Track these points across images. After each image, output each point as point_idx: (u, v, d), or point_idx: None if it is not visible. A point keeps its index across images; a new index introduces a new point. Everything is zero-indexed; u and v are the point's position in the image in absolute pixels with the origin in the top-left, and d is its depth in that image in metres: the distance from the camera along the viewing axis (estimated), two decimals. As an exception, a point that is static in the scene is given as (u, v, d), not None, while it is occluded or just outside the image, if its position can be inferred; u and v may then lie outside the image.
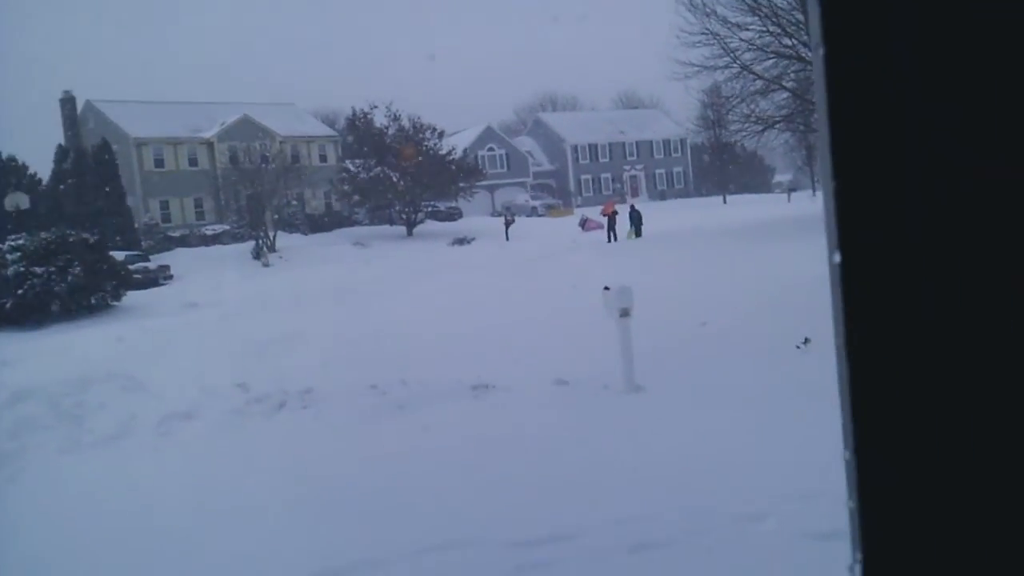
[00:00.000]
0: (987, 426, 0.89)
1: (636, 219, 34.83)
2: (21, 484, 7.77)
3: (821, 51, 0.87)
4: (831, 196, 0.89)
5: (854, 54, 0.87)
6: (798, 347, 9.28)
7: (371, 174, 48.54)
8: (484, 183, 58.96)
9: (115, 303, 27.65)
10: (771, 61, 29.37)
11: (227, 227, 47.50)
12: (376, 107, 50.91)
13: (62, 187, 41.03)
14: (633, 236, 34.10)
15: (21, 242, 26.81)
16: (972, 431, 0.89)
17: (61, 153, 43.48)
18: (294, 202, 49.68)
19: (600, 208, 40.22)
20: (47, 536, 6.31)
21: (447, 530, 5.47)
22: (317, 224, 50.55)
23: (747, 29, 28.74)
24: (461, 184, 50.83)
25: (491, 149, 70.88)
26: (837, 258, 0.89)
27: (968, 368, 0.88)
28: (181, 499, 6.84)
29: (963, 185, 0.87)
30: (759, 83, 29.95)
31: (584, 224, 43.48)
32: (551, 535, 5.21)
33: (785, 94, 30.06)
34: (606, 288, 9.26)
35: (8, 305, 24.96)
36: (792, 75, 29.21)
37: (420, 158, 48.13)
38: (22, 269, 25.54)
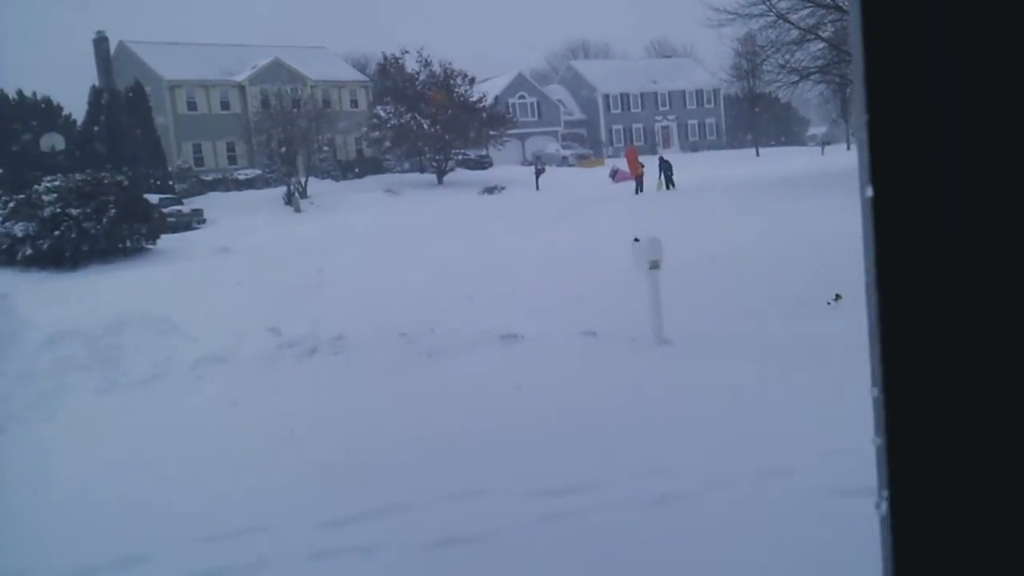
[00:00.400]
0: (1017, 360, 0.89)
1: (666, 169, 34.50)
2: (59, 422, 7.95)
3: None
4: (864, 128, 0.89)
5: None
6: (829, 303, 9.24)
7: (402, 121, 48.42)
8: (515, 132, 58.65)
9: (149, 246, 28.02)
10: (808, 10, 28.72)
11: (259, 172, 47.69)
12: (407, 52, 50.69)
13: (96, 128, 41.29)
14: (663, 187, 33.81)
15: (57, 183, 27.12)
16: (1002, 365, 0.89)
17: (95, 94, 43.68)
18: (325, 148, 49.73)
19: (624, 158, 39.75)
20: (84, 474, 6.49)
21: (471, 478, 5.56)
22: (348, 170, 50.65)
23: (784, -24, 28.16)
24: (492, 132, 50.62)
25: (522, 97, 70.28)
26: (869, 192, 0.90)
27: (998, 302, 0.88)
28: (214, 441, 7.00)
29: (994, 123, 0.87)
30: (795, 32, 29.36)
31: (615, 175, 43.21)
32: (574, 485, 5.27)
33: (821, 44, 29.47)
34: (636, 240, 9.24)
35: (45, 246, 25.35)
36: (829, 25, 28.59)
37: (451, 105, 47.86)
38: (58, 210, 25.88)
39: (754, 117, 65.35)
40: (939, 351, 0.90)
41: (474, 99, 50.30)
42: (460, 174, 50.13)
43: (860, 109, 0.89)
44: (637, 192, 33.60)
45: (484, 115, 50.18)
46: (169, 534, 5.12)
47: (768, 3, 28.66)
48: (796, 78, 30.82)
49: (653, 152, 65.78)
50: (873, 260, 0.90)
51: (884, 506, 0.93)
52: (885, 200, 0.89)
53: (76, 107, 42.64)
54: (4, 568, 4.82)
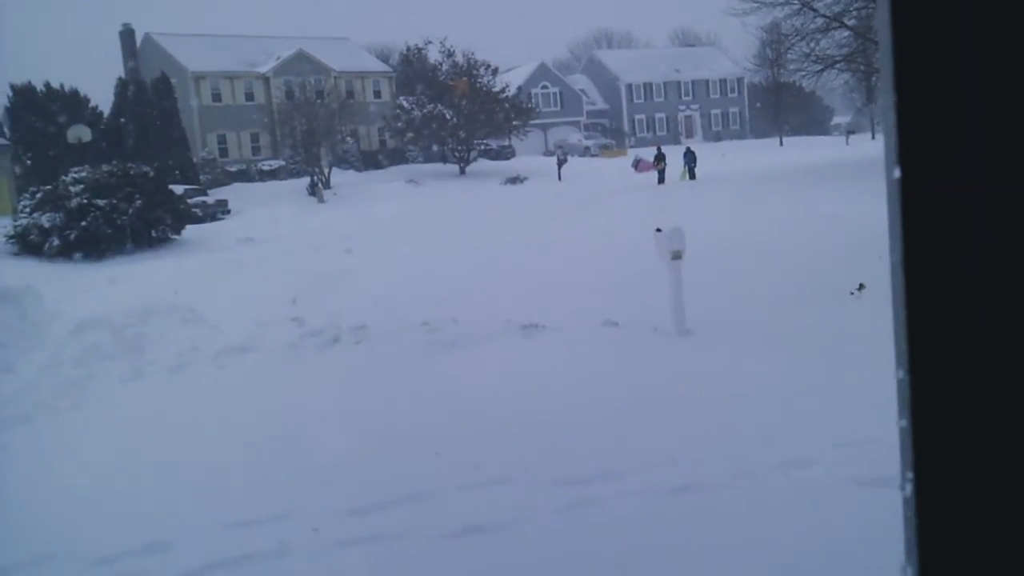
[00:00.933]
0: None
1: (690, 160, 34.37)
2: (85, 411, 8.02)
3: None
4: (891, 109, 0.89)
5: None
6: (852, 293, 9.18)
7: (424, 111, 48.46)
8: (537, 122, 58.58)
9: (175, 236, 28.25)
10: (833, -2, 28.48)
11: (283, 163, 47.92)
12: (430, 42, 50.82)
13: (123, 120, 41.62)
14: (686, 177, 33.68)
15: (84, 174, 27.39)
16: None
17: (121, 86, 44.00)
18: (348, 138, 49.88)
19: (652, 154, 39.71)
20: (108, 462, 6.55)
21: (494, 466, 5.58)
22: (371, 161, 50.78)
23: (808, -37, 27.92)
24: (514, 122, 50.57)
25: (544, 87, 70.11)
26: (897, 173, 0.90)
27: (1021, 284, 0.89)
28: (238, 429, 7.06)
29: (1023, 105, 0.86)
30: (820, 20, 29.10)
31: (637, 165, 43.06)
32: (596, 474, 5.29)
33: (846, 32, 29.20)
34: (658, 230, 9.21)
35: (72, 236, 25.61)
36: (854, 12, 28.31)
37: (473, 95, 47.85)
38: (85, 201, 26.13)
39: (778, 106, 64.85)
40: (965, 334, 0.90)
41: (497, 89, 50.25)
42: (482, 164, 50.13)
43: (888, 90, 0.89)
44: (659, 183, 33.50)
45: (507, 105, 50.14)
46: (192, 521, 5.17)
47: (793, -10, 28.44)
48: (821, 67, 30.57)
49: (677, 142, 65.57)
50: (900, 242, 0.90)
51: (909, 488, 0.94)
52: (913, 181, 0.89)
53: (103, 99, 43.07)
54: (30, 554, 4.88)
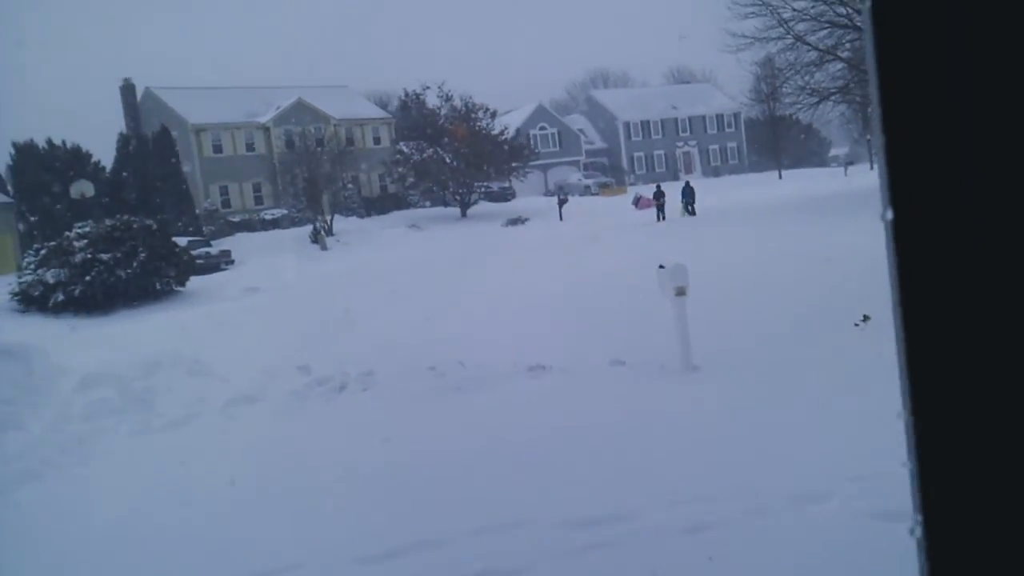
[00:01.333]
0: None
1: (688, 196, 34.50)
2: (93, 467, 7.98)
3: (867, 4, 0.88)
4: (882, 151, 0.89)
5: (898, 8, 0.87)
6: (856, 325, 9.17)
7: (424, 156, 48.82)
8: (537, 162, 58.97)
9: (179, 288, 28.31)
10: (825, 31, 28.81)
11: (285, 211, 48.16)
12: (428, 88, 51.29)
13: (125, 174, 41.92)
14: (685, 214, 33.80)
15: (87, 229, 27.52)
16: None
17: (123, 141, 44.40)
18: (350, 185, 50.20)
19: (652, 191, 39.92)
20: (116, 519, 6.51)
21: (505, 510, 5.54)
22: (373, 206, 51.05)
23: (800, -1, 28.24)
24: (514, 164, 50.91)
25: (543, 128, 70.63)
26: (890, 215, 0.90)
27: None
28: (247, 480, 7.02)
29: (1015, 143, 0.86)
30: (813, 54, 29.43)
31: (638, 202, 43.26)
32: (608, 515, 5.25)
33: (840, 65, 29.50)
34: (661, 267, 9.23)
35: (77, 291, 25.68)
36: (847, 45, 28.61)
37: (473, 139, 48.21)
38: (89, 255, 26.23)
39: (776, 140, 65.23)
40: (967, 374, 0.89)
41: (496, 132, 50.64)
42: (483, 207, 50.36)
43: (877, 131, 0.90)
44: (659, 219, 33.61)
45: (506, 147, 50.49)
46: (204, 574, 5.13)
47: (785, 26, 28.77)
48: (816, 99, 30.81)
49: (675, 178, 65.89)
50: (896, 283, 0.90)
51: (918, 530, 0.93)
52: (906, 222, 0.89)
53: (105, 154, 43.40)
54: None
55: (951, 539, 0.92)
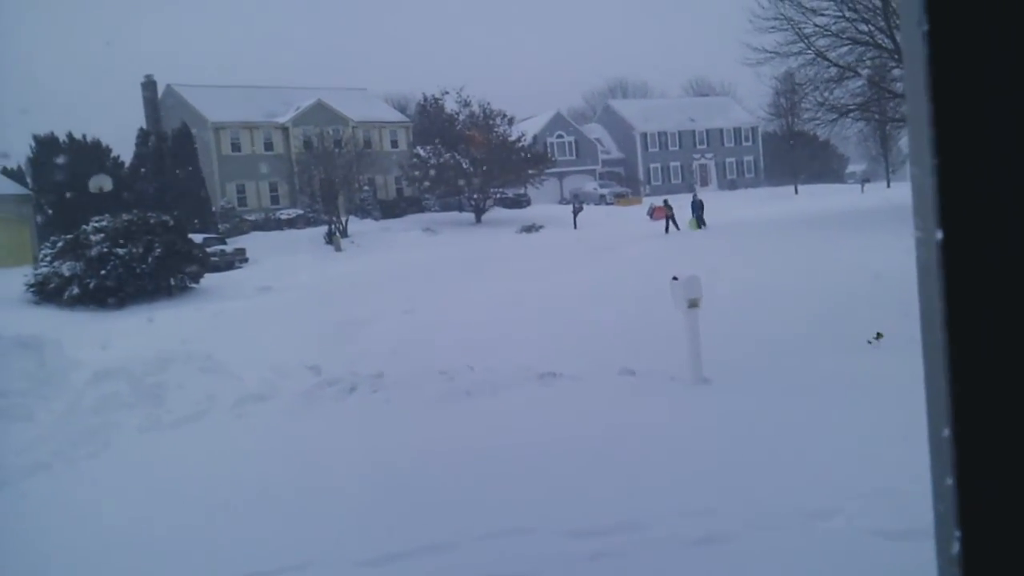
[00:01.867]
0: None
1: (698, 208, 34.43)
2: (103, 459, 8.03)
3: (924, 28, 0.88)
4: (931, 173, 0.89)
5: (958, 30, 0.87)
6: (869, 342, 9.14)
7: (441, 160, 48.92)
8: (553, 170, 59.00)
9: (194, 285, 28.45)
10: (847, 48, 28.73)
11: (301, 211, 48.33)
12: (447, 93, 51.45)
13: (143, 170, 42.18)
14: (695, 226, 33.73)
15: (104, 223, 27.69)
16: None
17: (142, 136, 44.68)
18: (366, 187, 50.35)
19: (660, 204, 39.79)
20: (125, 512, 6.54)
21: (512, 517, 5.54)
22: (388, 209, 51.18)
23: (822, 14, 28.16)
24: (530, 171, 50.94)
25: (560, 136, 70.70)
26: (939, 235, 0.90)
27: None
28: (254, 479, 7.05)
29: None
30: (834, 70, 29.34)
31: (652, 213, 43.23)
32: (615, 525, 5.24)
33: (860, 82, 29.42)
34: (674, 278, 9.22)
35: (92, 285, 25.83)
36: (868, 62, 28.56)
37: (489, 144, 48.29)
38: (105, 250, 26.38)
39: (793, 155, 65.10)
40: (1010, 391, 0.90)
41: (513, 138, 50.72)
42: (498, 213, 50.42)
43: (926, 153, 0.90)
44: (667, 231, 33.56)
45: (523, 154, 50.54)
46: (209, 572, 5.15)
47: (806, 41, 28.72)
48: (835, 115, 30.73)
49: (691, 191, 65.79)
50: (941, 302, 0.90)
51: (956, 546, 0.93)
52: (955, 243, 0.89)
53: (124, 149, 43.69)
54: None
55: (989, 555, 0.92)
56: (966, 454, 0.91)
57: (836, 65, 29.12)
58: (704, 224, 33.59)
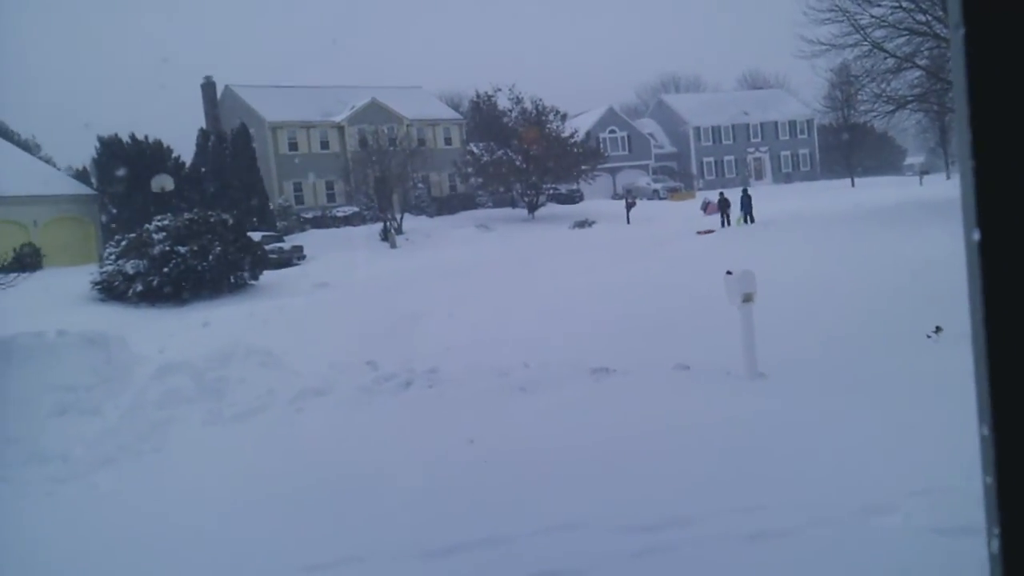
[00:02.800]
0: None
1: (746, 204, 34.01)
2: (167, 453, 8.23)
3: (961, 32, 0.89)
4: (970, 174, 0.90)
5: (995, 34, 0.88)
6: (929, 336, 9.00)
7: (494, 157, 49.03)
8: (605, 166, 58.77)
9: (253, 282, 28.93)
10: (904, 38, 28.08)
11: (356, 209, 48.79)
12: (499, 90, 51.55)
13: (203, 169, 42.95)
14: (742, 222, 33.34)
15: (166, 222, 28.30)
16: None
17: (202, 137, 45.52)
18: (420, 184, 50.67)
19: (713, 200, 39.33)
20: (189, 505, 6.72)
21: (565, 512, 5.58)
22: (442, 206, 51.44)
23: (878, 5, 27.53)
24: (583, 167, 50.81)
25: (612, 131, 70.35)
26: (976, 235, 0.91)
27: None
28: (314, 472, 7.19)
29: None
30: (891, 61, 28.71)
31: (706, 208, 42.82)
32: (669, 520, 5.26)
33: (918, 73, 28.74)
34: (728, 273, 9.18)
35: (154, 282, 26.43)
36: (926, 53, 27.89)
37: (542, 141, 48.27)
38: (167, 248, 26.98)
39: (850, 147, 63.94)
40: None
41: (565, 134, 50.64)
42: (551, 208, 50.37)
43: (966, 155, 0.91)
44: (722, 225, 33.26)
45: (575, 150, 50.43)
46: (271, 563, 5.28)
47: (862, 33, 28.17)
48: (892, 107, 30.10)
49: (745, 184, 65.04)
50: (981, 301, 0.92)
51: (995, 544, 0.94)
52: (993, 244, 0.91)
53: (185, 149, 44.53)
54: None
55: None
56: (1005, 453, 0.92)
57: (893, 56, 28.51)
58: (752, 219, 33.20)
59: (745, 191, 35.84)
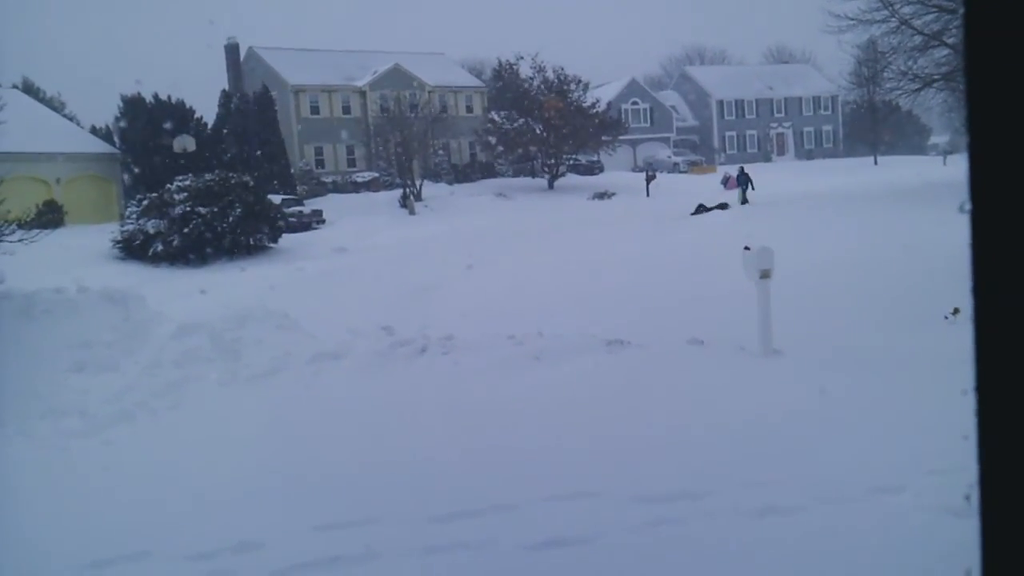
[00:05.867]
0: None
1: (744, 182, 33.66)
2: (184, 411, 8.32)
3: (962, 10, 0.90)
4: (967, 151, 0.92)
5: (994, 13, 0.89)
6: (946, 318, 8.95)
7: (515, 125, 48.83)
8: (626, 137, 58.46)
9: (272, 244, 29.08)
10: (932, 15, 27.66)
11: (376, 175, 48.82)
12: (522, 58, 51.24)
13: (225, 131, 43.00)
14: (740, 200, 32.98)
15: (187, 183, 28.43)
16: None
17: (225, 98, 45.53)
18: (440, 152, 50.55)
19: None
20: (205, 462, 6.80)
21: (576, 480, 5.63)
22: (462, 174, 51.37)
23: (907, -21, 27.21)
24: (603, 138, 50.55)
25: (635, 103, 69.84)
26: (968, 207, 0.92)
27: None
28: (327, 434, 7.27)
29: None
30: (918, 38, 28.30)
31: (727, 182, 42.56)
32: (678, 492, 5.29)
33: (946, 51, 28.32)
34: (746, 248, 9.14)
35: (175, 242, 26.60)
36: (954, 30, 27.45)
37: (564, 111, 48.01)
38: (188, 208, 27.12)
39: (874, 125, 63.22)
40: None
41: (587, 104, 50.34)
42: (571, 179, 50.20)
43: (967, 132, 0.92)
44: (742, 202, 33.04)
45: (597, 121, 50.16)
46: (283, 522, 5.34)
47: (890, 8, 27.76)
48: (918, 85, 29.73)
49: (767, 160, 64.64)
50: (972, 273, 0.93)
51: (974, 496, 0.97)
52: (984, 217, 0.92)
53: (207, 110, 44.55)
54: (127, 550, 5.09)
55: (1007, 505, 0.96)
56: (990, 420, 0.95)
57: (921, 33, 28.10)
58: (746, 200, 32.75)
59: (742, 169, 35.46)
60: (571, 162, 51.45)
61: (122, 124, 40.45)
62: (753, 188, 33.51)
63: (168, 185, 28.87)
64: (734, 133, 74.19)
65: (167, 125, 38.29)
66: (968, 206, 0.93)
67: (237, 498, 5.89)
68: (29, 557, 5.14)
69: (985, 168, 0.92)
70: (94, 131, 44.90)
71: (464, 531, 5.01)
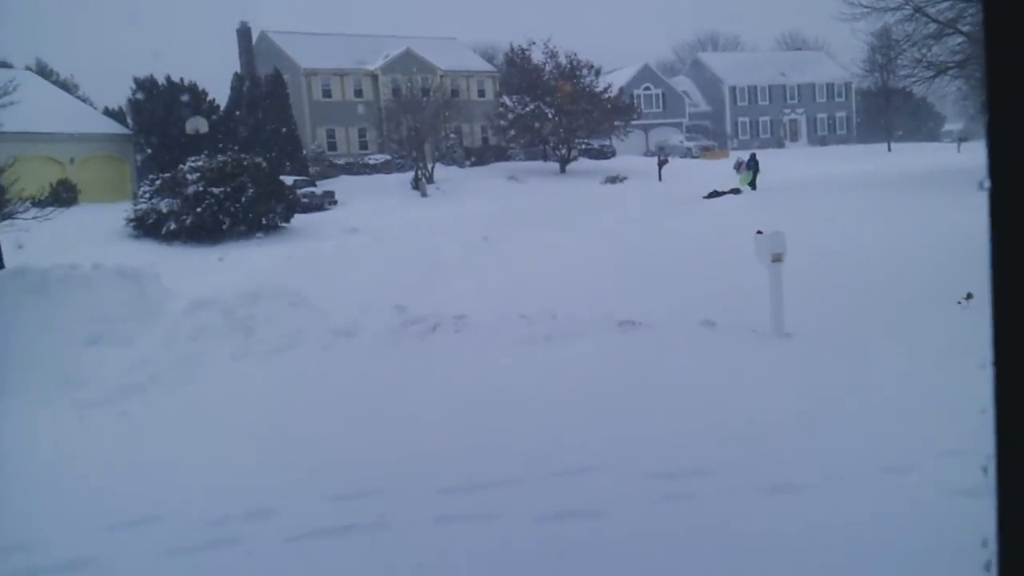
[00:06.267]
0: None
1: (753, 167, 33.46)
2: (197, 384, 8.39)
3: None
4: (986, 129, 0.93)
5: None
6: (959, 303, 8.95)
7: (527, 110, 48.72)
8: (639, 123, 58.21)
9: (284, 225, 29.17)
10: (947, 3, 27.38)
11: (388, 157, 48.80)
12: (534, 43, 50.96)
13: (238, 113, 43.05)
14: (746, 185, 32.74)
15: (200, 163, 28.52)
16: None
17: (237, 81, 45.57)
18: (452, 135, 50.51)
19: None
20: (218, 433, 6.89)
21: (584, 456, 5.66)
22: (473, 157, 51.31)
23: (922, -32, 26.93)
24: (616, 123, 50.40)
25: (647, 88, 69.55)
26: (987, 184, 0.94)
27: None
28: (340, 408, 7.33)
29: None
30: (933, 26, 28.03)
31: (739, 167, 42.36)
32: (688, 469, 5.32)
33: (960, 39, 28.04)
34: (759, 232, 9.15)
35: (188, 221, 26.73)
36: (968, 18, 27.18)
37: (576, 95, 47.86)
38: (200, 189, 27.23)
39: (887, 112, 62.79)
40: None
41: (599, 89, 50.17)
42: (582, 163, 50.07)
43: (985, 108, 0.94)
44: (753, 188, 32.88)
45: (609, 105, 49.99)
46: (295, 492, 5.40)
47: (905, -5, 27.52)
48: (932, 73, 29.46)
49: (780, 146, 64.33)
50: (989, 246, 0.94)
51: (991, 467, 0.99)
52: (1004, 195, 0.93)
53: (220, 92, 44.54)
54: (140, 514, 5.16)
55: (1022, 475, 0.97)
56: (1008, 387, 0.96)
57: (935, 21, 27.82)
58: (754, 186, 32.57)
59: (753, 155, 35.26)
60: (583, 146, 51.31)
61: (138, 97, 40.40)
62: (759, 171, 33.31)
63: (181, 166, 28.97)
64: (747, 119, 73.83)
65: (180, 106, 38.32)
66: (987, 183, 0.94)
67: (249, 469, 5.96)
68: (46, 520, 5.22)
69: (1004, 147, 0.93)
70: (107, 112, 44.95)
71: (471, 503, 5.05)
